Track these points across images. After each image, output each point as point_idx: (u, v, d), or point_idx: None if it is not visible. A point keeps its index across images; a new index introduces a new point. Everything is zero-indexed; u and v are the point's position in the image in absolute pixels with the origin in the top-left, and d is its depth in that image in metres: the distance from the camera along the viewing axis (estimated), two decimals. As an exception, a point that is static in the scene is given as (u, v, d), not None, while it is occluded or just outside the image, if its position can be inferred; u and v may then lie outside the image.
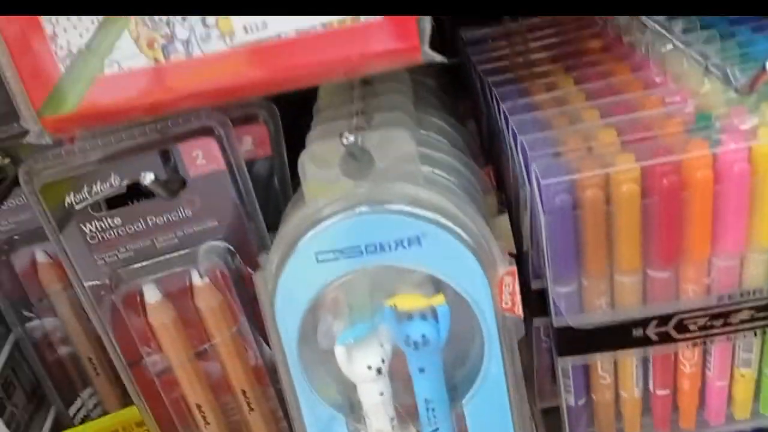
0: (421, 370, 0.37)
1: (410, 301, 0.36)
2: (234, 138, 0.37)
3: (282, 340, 0.37)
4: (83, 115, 0.29)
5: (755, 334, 0.40)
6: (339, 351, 0.36)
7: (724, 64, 0.38)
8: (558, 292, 0.39)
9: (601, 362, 0.41)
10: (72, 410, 0.50)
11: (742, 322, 0.39)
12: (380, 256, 0.34)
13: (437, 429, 0.38)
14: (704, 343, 0.40)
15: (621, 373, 0.42)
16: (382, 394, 0.37)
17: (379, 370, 0.36)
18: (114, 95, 0.29)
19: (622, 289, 0.39)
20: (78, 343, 0.48)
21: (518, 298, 0.37)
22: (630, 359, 0.41)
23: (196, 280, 0.39)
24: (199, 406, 0.42)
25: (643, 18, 0.45)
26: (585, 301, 0.39)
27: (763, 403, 0.43)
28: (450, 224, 0.34)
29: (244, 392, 0.42)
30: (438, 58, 0.30)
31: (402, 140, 0.35)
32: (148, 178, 0.37)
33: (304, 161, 0.35)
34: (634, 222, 0.37)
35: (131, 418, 0.47)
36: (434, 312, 0.36)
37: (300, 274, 0.35)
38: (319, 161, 0.35)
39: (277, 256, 0.35)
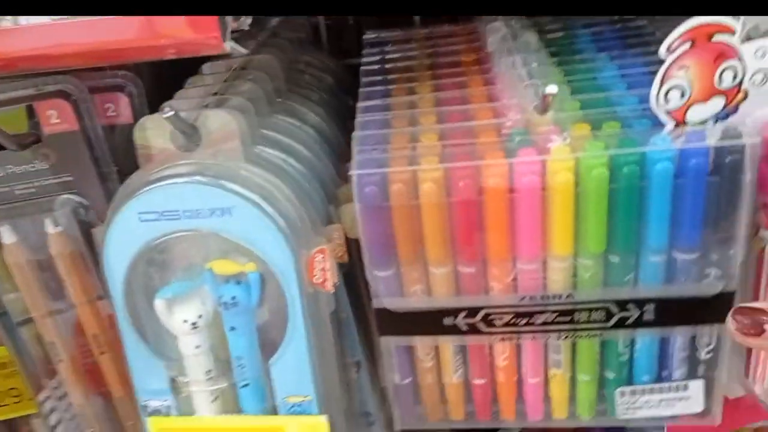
0: (233, 329, 0.41)
1: (226, 266, 0.40)
2: (90, 103, 0.41)
3: (110, 290, 0.41)
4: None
5: (562, 338, 0.43)
6: (158, 304, 0.40)
7: (539, 84, 0.41)
8: (376, 275, 0.42)
9: (420, 346, 0.45)
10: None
11: (546, 323, 0.42)
12: (196, 222, 0.39)
13: (247, 384, 0.42)
14: (513, 339, 0.43)
15: (441, 359, 0.45)
16: (198, 347, 0.41)
17: (194, 325, 0.41)
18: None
19: (434, 279, 0.42)
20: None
21: (329, 274, 0.40)
22: (447, 346, 0.44)
23: (50, 228, 0.43)
24: (52, 343, 0.46)
25: (511, 34, 0.49)
26: (402, 286, 0.42)
27: (580, 405, 0.46)
28: (258, 200, 0.38)
29: (95, 336, 0.46)
30: (242, 51, 0.34)
31: (232, 122, 0.39)
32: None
33: (136, 131, 0.39)
34: (438, 218, 0.40)
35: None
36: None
37: (124, 231, 0.39)
38: (153, 132, 0.39)
39: (110, 213, 0.39)
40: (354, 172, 0.39)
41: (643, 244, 0.39)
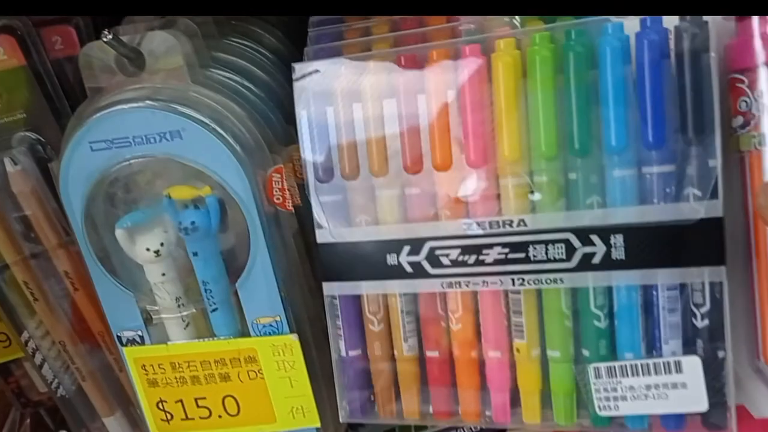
0: (195, 254, 0.41)
1: (183, 191, 0.40)
2: (36, 37, 0.41)
3: (71, 224, 0.41)
4: None
5: (518, 283, 0.36)
6: (119, 233, 0.40)
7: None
8: (320, 201, 0.40)
9: (367, 300, 0.41)
10: None
11: (497, 262, 0.36)
12: (147, 148, 0.38)
13: (216, 309, 0.42)
14: (461, 284, 0.37)
15: (390, 319, 0.41)
16: (164, 275, 0.42)
17: (157, 253, 0.41)
18: None
19: (380, 203, 0.39)
20: None
21: (289, 194, 0.40)
22: (395, 304, 0.40)
23: (9, 167, 0.43)
24: (26, 283, 0.46)
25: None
26: (347, 213, 0.40)
27: (555, 403, 0.38)
28: (207, 121, 0.38)
29: (66, 273, 0.46)
30: None
31: (176, 44, 0.38)
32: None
33: (80, 59, 0.38)
34: (377, 132, 0.39)
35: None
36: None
37: (78, 162, 0.39)
38: (98, 59, 0.39)
39: (62, 146, 0.39)
40: (298, 84, 0.38)
41: (604, 153, 0.34)
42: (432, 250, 0.38)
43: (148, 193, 0.41)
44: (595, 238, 0.34)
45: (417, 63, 0.38)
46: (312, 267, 0.46)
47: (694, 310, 0.34)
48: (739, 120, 0.33)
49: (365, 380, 0.42)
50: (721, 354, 0.34)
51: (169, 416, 0.45)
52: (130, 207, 0.41)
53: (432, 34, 0.40)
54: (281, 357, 0.43)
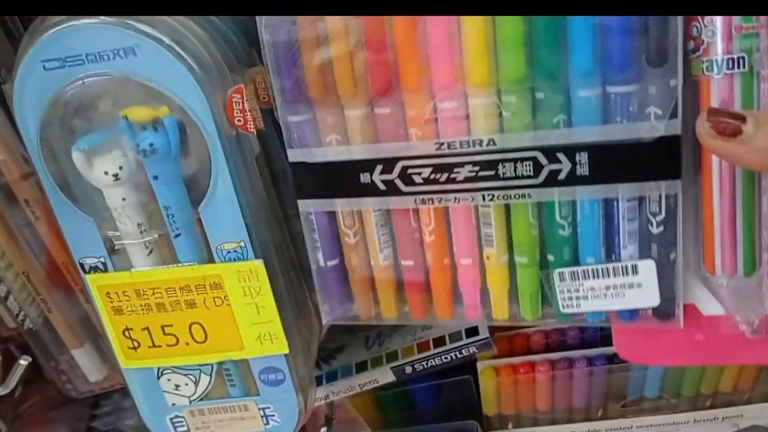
0: (155, 177, 0.40)
1: (140, 112, 0.39)
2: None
3: (28, 148, 0.40)
4: None
5: (488, 198, 0.38)
6: (76, 156, 0.40)
7: None
8: (290, 121, 0.40)
9: (342, 215, 0.42)
10: None
11: (468, 180, 0.37)
12: (100, 66, 0.37)
13: (179, 234, 0.41)
14: (434, 201, 0.39)
15: (365, 232, 0.42)
16: (124, 199, 0.41)
17: (116, 176, 0.40)
18: None
19: (350, 124, 0.39)
20: None
21: (250, 115, 0.39)
22: (370, 217, 0.41)
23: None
24: (-16, 214, 0.45)
25: None
26: (318, 134, 0.40)
27: (522, 301, 0.41)
28: (163, 38, 0.36)
29: (27, 201, 0.45)
30: None
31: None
32: None
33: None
34: (346, 50, 0.38)
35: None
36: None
37: (31, 82, 0.38)
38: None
39: (15, 66, 0.38)
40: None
41: (570, 74, 0.35)
42: (404, 168, 0.38)
43: (106, 116, 0.40)
44: (561, 155, 0.36)
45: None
46: (279, 196, 0.45)
47: (651, 218, 0.36)
48: (691, 44, 0.34)
49: (344, 287, 0.44)
50: (672, 256, 0.37)
51: (135, 344, 0.45)
52: (88, 131, 0.40)
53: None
54: (247, 283, 0.42)
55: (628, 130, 0.35)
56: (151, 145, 0.39)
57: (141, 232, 0.42)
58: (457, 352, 0.54)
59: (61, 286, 0.49)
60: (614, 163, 0.35)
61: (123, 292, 0.43)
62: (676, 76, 0.33)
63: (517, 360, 0.56)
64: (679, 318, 0.38)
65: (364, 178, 0.39)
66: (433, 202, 0.39)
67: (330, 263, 0.43)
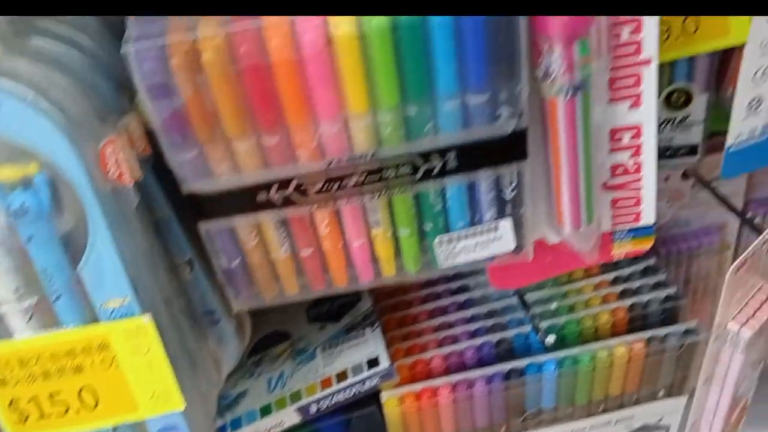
0: (30, 239, 0.38)
1: (8, 171, 0.37)
2: None
3: None
4: None
5: (376, 197, 0.43)
6: (-60, 225, 0.37)
7: None
8: (178, 159, 0.40)
9: (240, 227, 0.44)
10: None
11: (357, 185, 0.42)
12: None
13: (60, 296, 0.39)
14: (329, 206, 0.43)
15: (264, 236, 0.44)
16: (-3, 266, 0.39)
17: (-16, 243, 0.37)
18: None
19: (239, 155, 0.40)
20: None
21: (126, 166, 0.38)
22: (267, 222, 0.44)
23: None
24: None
25: None
26: (208, 167, 0.41)
27: (405, 260, 0.47)
28: (26, 93, 0.35)
29: None
30: None
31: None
32: None
33: None
34: (227, 89, 0.38)
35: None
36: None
37: None
38: None
39: None
40: (129, 48, 0.36)
41: (436, 92, 0.40)
42: (298, 185, 0.42)
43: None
44: (434, 156, 0.42)
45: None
46: (165, 244, 0.44)
47: (504, 189, 0.44)
48: (542, 71, 0.41)
49: (248, 279, 0.46)
50: (521, 212, 0.45)
51: (24, 417, 0.42)
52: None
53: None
54: (135, 341, 0.41)
55: (486, 130, 0.41)
56: (22, 204, 0.37)
57: (18, 297, 0.40)
58: (360, 385, 0.54)
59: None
60: (477, 156, 0.42)
61: (6, 362, 0.41)
62: (521, 83, 0.40)
63: (418, 386, 0.56)
64: (528, 252, 0.47)
65: (261, 197, 0.42)
66: (327, 207, 0.43)
67: (234, 264, 0.45)
